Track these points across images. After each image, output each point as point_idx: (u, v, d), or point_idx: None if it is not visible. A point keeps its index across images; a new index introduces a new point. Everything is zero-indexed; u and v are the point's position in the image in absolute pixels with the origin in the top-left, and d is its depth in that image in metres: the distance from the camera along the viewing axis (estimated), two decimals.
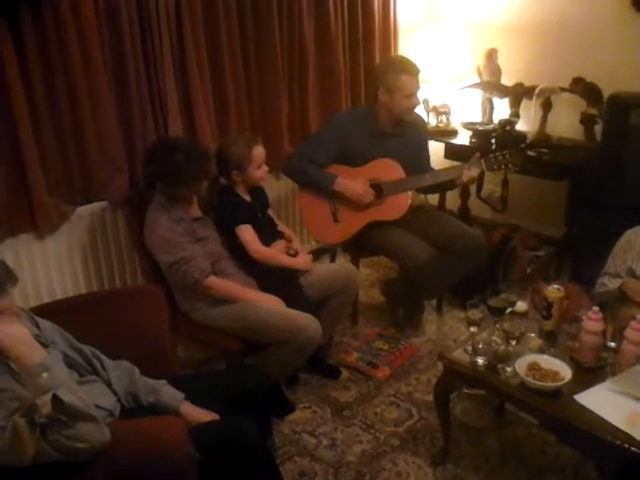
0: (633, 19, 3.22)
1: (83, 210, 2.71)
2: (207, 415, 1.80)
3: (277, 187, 3.46)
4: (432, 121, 3.85)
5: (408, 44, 3.84)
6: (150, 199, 2.46)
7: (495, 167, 2.83)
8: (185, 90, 2.90)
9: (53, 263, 2.67)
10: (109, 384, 1.79)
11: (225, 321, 2.40)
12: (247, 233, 2.54)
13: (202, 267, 2.37)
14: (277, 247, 2.64)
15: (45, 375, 1.40)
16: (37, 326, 1.70)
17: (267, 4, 3.10)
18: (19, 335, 1.45)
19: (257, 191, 2.70)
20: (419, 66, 2.84)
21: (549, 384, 1.88)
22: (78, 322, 1.93)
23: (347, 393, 2.72)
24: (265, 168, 2.62)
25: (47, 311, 1.94)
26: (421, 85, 2.88)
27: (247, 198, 2.64)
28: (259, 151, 2.57)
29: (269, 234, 2.67)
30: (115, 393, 1.78)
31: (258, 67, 3.22)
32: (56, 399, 1.37)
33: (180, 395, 1.83)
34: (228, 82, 3.06)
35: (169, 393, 1.83)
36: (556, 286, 2.20)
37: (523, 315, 2.27)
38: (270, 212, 2.79)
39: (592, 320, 1.96)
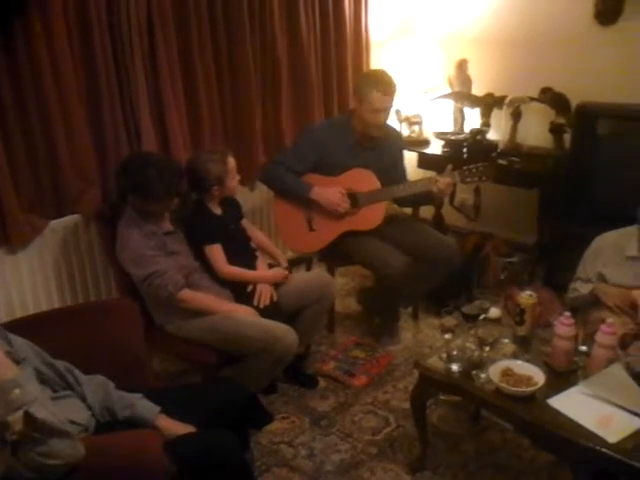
0: (596, 32, 3.32)
1: (56, 224, 2.68)
2: (184, 428, 1.78)
3: (251, 198, 3.46)
4: (404, 131, 3.89)
5: (380, 56, 3.90)
6: (122, 213, 2.45)
7: (468, 179, 2.86)
8: (158, 102, 2.89)
9: (26, 278, 2.63)
10: (84, 399, 1.76)
11: (200, 333, 2.39)
12: (215, 253, 2.55)
13: (175, 280, 2.36)
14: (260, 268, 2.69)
15: (17, 392, 1.38)
16: (9, 342, 1.67)
17: (239, 16, 3.12)
18: None
19: (229, 202, 2.70)
20: (396, 86, 2.85)
21: (523, 389, 1.91)
22: (51, 337, 1.90)
23: (325, 402, 2.73)
24: (237, 177, 2.64)
25: (19, 326, 1.90)
26: (392, 105, 2.88)
27: (218, 211, 2.64)
28: (232, 162, 2.60)
29: (241, 246, 2.68)
30: (90, 408, 1.76)
31: (231, 78, 3.23)
32: (28, 416, 1.35)
33: (156, 408, 1.81)
34: (201, 93, 3.06)
35: (145, 407, 1.81)
36: (528, 292, 2.23)
37: (496, 321, 2.31)
38: (244, 222, 2.79)
39: (564, 325, 2.00)
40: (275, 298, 2.58)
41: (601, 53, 3.31)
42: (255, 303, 2.53)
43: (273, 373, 2.50)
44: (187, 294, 2.39)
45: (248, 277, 2.61)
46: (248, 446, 2.15)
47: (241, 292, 2.56)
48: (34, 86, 2.48)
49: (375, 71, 3.10)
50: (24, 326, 1.95)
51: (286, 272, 2.70)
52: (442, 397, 2.64)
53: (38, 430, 1.35)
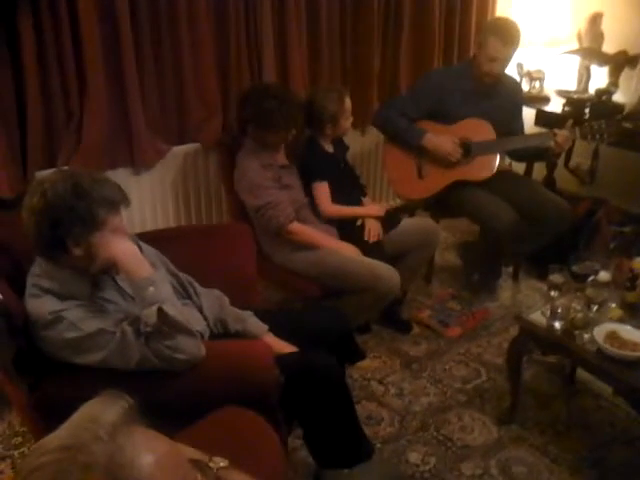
0: None
1: (177, 150, 2.84)
2: (288, 347, 1.89)
3: (361, 142, 3.49)
4: (525, 86, 3.75)
5: (507, 4, 3.74)
6: (241, 144, 2.55)
7: (589, 136, 2.75)
8: (281, 37, 2.96)
9: (147, 197, 2.82)
10: (200, 309, 1.89)
11: (306, 265, 2.48)
12: (321, 190, 2.62)
13: (287, 212, 2.45)
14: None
15: (152, 289, 1.52)
16: (140, 249, 1.81)
17: None
18: (130, 251, 1.58)
19: (338, 142, 2.77)
20: (519, 37, 2.75)
21: (628, 353, 1.88)
22: (173, 252, 2.00)
23: (417, 348, 2.78)
24: (351, 118, 2.69)
25: (144, 239, 2.03)
26: (513, 56, 2.80)
27: (330, 149, 2.70)
28: (348, 102, 2.64)
29: (350, 183, 2.76)
30: (205, 319, 1.89)
31: (353, 20, 3.23)
32: (161, 311, 1.48)
33: (264, 326, 1.92)
34: (323, 33, 3.09)
35: (254, 323, 1.92)
36: None
37: (605, 285, 2.25)
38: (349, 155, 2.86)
39: None
40: (381, 237, 2.62)
41: None
42: (366, 237, 2.58)
43: (371, 312, 2.56)
44: (296, 227, 2.47)
45: (354, 212, 2.68)
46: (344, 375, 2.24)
47: (347, 230, 2.62)
48: (168, 17, 2.60)
49: (500, 18, 3.00)
50: (147, 240, 2.07)
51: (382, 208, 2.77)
52: (537, 357, 2.62)
53: (168, 325, 1.49)
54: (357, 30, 3.25)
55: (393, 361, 2.69)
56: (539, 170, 3.66)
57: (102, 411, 0.76)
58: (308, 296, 2.50)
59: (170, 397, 1.50)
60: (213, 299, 1.93)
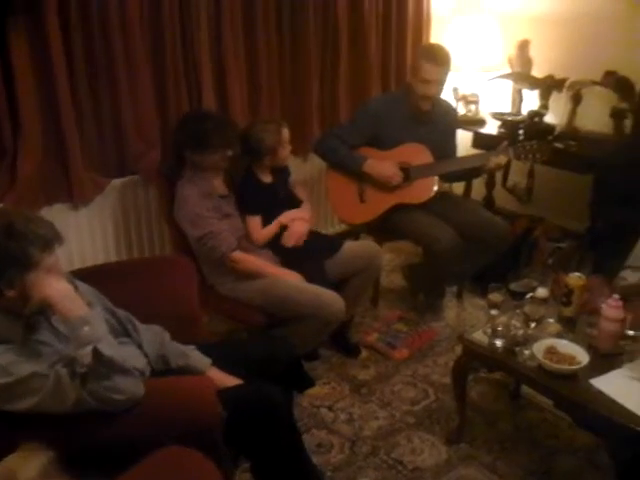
0: None
1: (117, 183, 2.79)
2: (233, 380, 1.86)
3: (304, 169, 3.50)
4: (461, 110, 3.86)
5: (441, 33, 3.86)
6: (180, 174, 2.53)
7: (522, 156, 2.86)
8: (220, 69, 2.96)
9: (86, 233, 2.76)
10: (140, 346, 1.85)
11: (251, 295, 2.47)
12: (252, 224, 2.64)
13: (229, 242, 2.44)
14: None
15: (86, 329, 1.48)
16: (75, 287, 1.77)
17: None
18: (65, 290, 1.54)
19: (280, 169, 2.77)
20: (449, 59, 2.85)
21: (565, 367, 1.93)
22: (111, 288, 1.96)
23: (366, 371, 2.79)
24: (289, 147, 2.71)
25: (82, 277, 1.98)
26: (446, 77, 2.89)
27: (268, 179, 2.71)
28: (286, 133, 2.67)
29: (289, 209, 2.75)
30: (146, 355, 1.85)
31: (292, 50, 3.28)
32: (96, 351, 1.45)
33: (208, 360, 1.89)
34: (262, 63, 3.12)
35: (197, 358, 1.89)
36: (578, 274, 2.23)
37: (543, 301, 2.31)
38: (291, 180, 2.85)
39: (612, 307, 1.99)
40: (302, 241, 2.66)
41: None
42: (283, 241, 2.62)
43: (318, 338, 2.56)
44: (239, 255, 2.46)
45: (278, 222, 2.68)
46: (291, 405, 2.22)
47: (289, 258, 2.63)
48: (104, 50, 2.58)
49: (431, 44, 3.12)
50: (86, 276, 2.02)
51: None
52: (482, 374, 2.66)
53: (104, 365, 1.45)
54: (295, 60, 3.29)
55: (342, 386, 2.69)
56: (478, 189, 3.77)
57: (20, 466, 0.74)
58: (253, 325, 2.49)
59: (108, 439, 1.46)
60: (153, 335, 1.90)
